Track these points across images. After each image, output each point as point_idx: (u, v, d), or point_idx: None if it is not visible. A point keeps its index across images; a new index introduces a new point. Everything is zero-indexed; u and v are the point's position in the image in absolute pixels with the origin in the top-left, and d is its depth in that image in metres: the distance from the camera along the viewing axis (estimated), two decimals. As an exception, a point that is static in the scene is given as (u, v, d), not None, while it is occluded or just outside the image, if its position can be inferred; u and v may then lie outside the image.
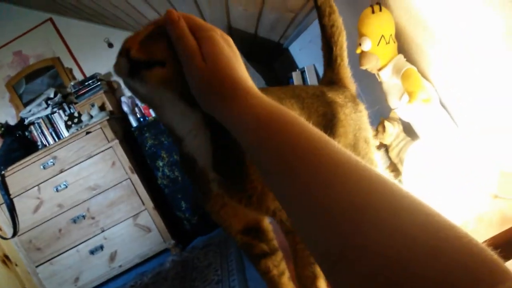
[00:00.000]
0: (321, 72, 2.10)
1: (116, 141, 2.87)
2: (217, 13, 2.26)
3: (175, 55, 0.47)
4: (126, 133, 3.10)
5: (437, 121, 1.04)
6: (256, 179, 0.56)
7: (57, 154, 2.87)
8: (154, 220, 2.92)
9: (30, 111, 3.29)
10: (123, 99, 3.28)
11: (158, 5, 2.29)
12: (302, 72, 2.55)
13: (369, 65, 1.11)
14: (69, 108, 3.32)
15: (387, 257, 0.29)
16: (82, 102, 3.23)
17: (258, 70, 2.84)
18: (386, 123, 1.12)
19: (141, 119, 3.18)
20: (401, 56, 1.09)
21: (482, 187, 0.81)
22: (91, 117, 3.05)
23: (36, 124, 3.29)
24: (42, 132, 3.29)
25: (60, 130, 3.30)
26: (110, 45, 3.50)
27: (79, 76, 3.53)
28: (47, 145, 3.24)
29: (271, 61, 3.24)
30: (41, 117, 3.29)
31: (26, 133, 3.31)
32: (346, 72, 0.94)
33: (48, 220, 2.89)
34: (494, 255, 0.28)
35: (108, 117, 2.89)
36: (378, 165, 0.87)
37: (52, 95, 3.29)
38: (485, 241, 0.29)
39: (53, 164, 2.86)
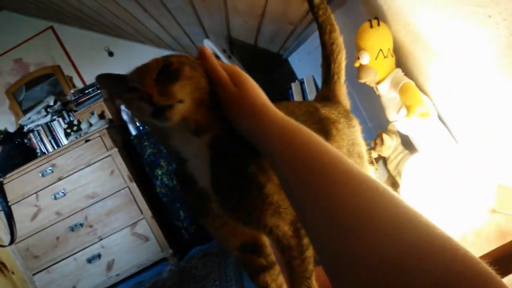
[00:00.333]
0: (320, 83, 2.11)
1: (115, 149, 2.88)
2: (217, 24, 2.28)
3: (193, 90, 0.56)
4: (125, 141, 3.11)
5: (435, 135, 1.05)
6: (255, 198, 0.59)
7: (56, 162, 2.87)
8: (152, 229, 2.91)
9: (29, 118, 3.29)
10: (122, 107, 3.29)
11: (157, 15, 2.31)
12: (301, 83, 2.57)
13: (367, 79, 1.12)
14: (69, 116, 3.33)
15: (386, 264, 0.31)
16: (82, 110, 3.24)
17: (257, 80, 2.85)
18: (385, 136, 1.13)
19: (141, 128, 3.19)
20: (399, 70, 1.10)
21: (480, 201, 0.82)
22: (91, 125, 3.06)
23: (36, 132, 3.30)
24: (41, 139, 3.29)
25: (59, 138, 3.30)
26: (111, 54, 3.53)
27: (79, 84, 3.54)
28: (46, 152, 3.24)
29: (271, 71, 3.26)
30: (41, 125, 3.29)
31: (25, 141, 3.31)
32: (342, 89, 0.96)
33: (45, 228, 2.88)
34: (488, 268, 0.29)
35: (107, 125, 2.90)
36: None
37: (51, 103, 3.30)
38: (483, 255, 0.30)
39: (52, 171, 2.86)
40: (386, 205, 0.36)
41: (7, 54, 3.54)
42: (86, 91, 3.25)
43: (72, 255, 2.91)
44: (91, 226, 2.90)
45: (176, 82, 0.55)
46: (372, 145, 1.18)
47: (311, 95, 2.48)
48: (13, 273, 3.18)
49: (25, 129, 3.32)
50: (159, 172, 3.02)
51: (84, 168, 2.88)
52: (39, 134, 3.29)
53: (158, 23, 2.52)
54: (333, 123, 0.84)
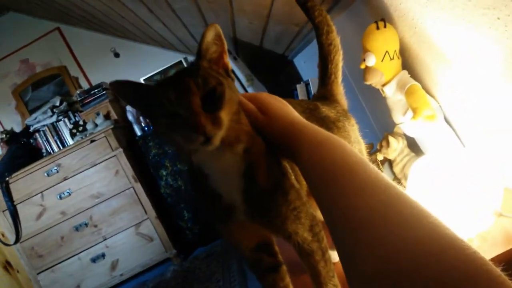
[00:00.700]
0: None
1: (120, 149, 2.89)
2: (223, 25, 2.29)
3: (230, 112, 0.58)
4: (130, 142, 3.12)
5: (441, 138, 1.05)
6: (280, 205, 0.62)
7: (61, 162, 2.88)
8: (156, 229, 2.91)
9: (35, 118, 3.31)
10: (128, 108, 3.30)
11: (163, 16, 2.32)
12: (307, 84, 2.57)
13: (373, 81, 1.11)
14: (74, 116, 3.35)
15: (393, 259, 0.33)
16: (88, 111, 3.25)
17: (263, 81, 2.86)
18: (391, 138, 1.13)
19: (146, 128, 3.20)
20: (405, 72, 1.10)
21: (486, 204, 0.81)
22: (96, 125, 3.07)
23: (41, 132, 3.31)
24: (47, 139, 3.31)
25: (65, 138, 3.32)
26: (116, 55, 3.54)
27: (85, 85, 3.56)
28: (52, 152, 3.26)
29: (276, 72, 3.26)
30: (46, 125, 3.31)
31: (31, 140, 3.33)
32: (339, 89, 0.97)
33: (50, 228, 2.90)
34: (496, 268, 0.29)
35: (112, 126, 2.91)
36: None
37: (57, 103, 3.32)
38: (489, 259, 0.30)
39: (57, 171, 2.87)
40: (399, 206, 0.39)
41: (14, 54, 3.56)
42: (92, 92, 3.27)
43: (77, 254, 2.92)
44: (95, 226, 2.91)
45: (222, 109, 0.56)
46: (378, 147, 1.18)
47: (316, 97, 2.48)
48: (18, 271, 3.20)
49: (31, 129, 3.34)
50: (164, 173, 3.03)
51: (89, 168, 2.89)
52: (45, 134, 3.31)
53: (164, 24, 2.53)
54: (333, 122, 0.85)
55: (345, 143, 0.52)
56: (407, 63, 1.14)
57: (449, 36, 0.92)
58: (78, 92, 3.31)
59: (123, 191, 2.91)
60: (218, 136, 0.55)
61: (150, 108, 0.59)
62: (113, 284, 2.94)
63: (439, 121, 1.05)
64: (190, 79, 0.56)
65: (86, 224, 2.90)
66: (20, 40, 3.55)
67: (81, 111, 3.31)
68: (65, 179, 2.88)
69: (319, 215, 0.74)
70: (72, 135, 3.17)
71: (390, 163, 1.18)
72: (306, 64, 2.67)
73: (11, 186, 2.87)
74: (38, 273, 2.93)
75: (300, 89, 2.61)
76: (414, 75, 1.11)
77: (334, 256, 0.90)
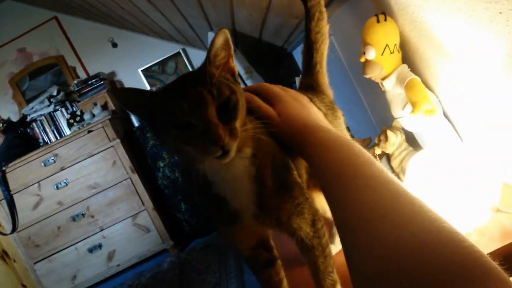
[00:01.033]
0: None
1: (118, 140, 2.88)
2: (222, 16, 2.27)
3: (242, 119, 0.59)
4: (128, 132, 3.11)
5: (440, 132, 1.04)
6: (286, 202, 0.63)
7: (58, 152, 2.87)
8: (153, 221, 2.92)
9: (32, 108, 3.29)
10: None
11: (162, 6, 2.30)
12: (305, 77, 2.56)
13: (373, 74, 1.11)
14: (72, 106, 3.33)
15: (394, 252, 0.34)
16: (85, 101, 3.24)
17: (261, 74, 2.84)
18: (389, 132, 1.12)
19: (143, 119, 3.18)
20: (405, 66, 1.09)
21: (485, 199, 0.81)
22: (93, 116, 3.06)
23: (38, 121, 3.30)
24: (44, 129, 3.30)
25: (62, 128, 3.31)
26: (114, 45, 3.52)
27: (82, 75, 3.54)
28: (49, 142, 3.25)
29: (275, 65, 3.25)
30: (43, 115, 3.30)
31: (28, 130, 3.32)
32: (324, 78, 0.95)
33: (47, 217, 2.90)
34: (491, 261, 0.30)
35: (110, 117, 2.89)
36: None
37: (55, 93, 3.30)
38: (487, 254, 0.31)
39: (54, 161, 2.87)
40: (398, 203, 0.40)
41: (11, 43, 3.53)
42: (89, 82, 3.25)
43: (73, 244, 2.92)
44: (92, 216, 2.91)
45: (236, 119, 0.56)
46: (376, 141, 1.18)
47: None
48: (14, 261, 3.21)
49: (28, 118, 3.33)
50: (161, 164, 3.02)
51: (86, 158, 2.88)
52: (41, 124, 3.30)
53: (163, 14, 2.51)
54: (324, 115, 0.84)
55: (354, 144, 0.53)
56: (407, 57, 1.13)
57: (449, 30, 0.91)
58: (75, 82, 3.30)
59: (120, 182, 2.91)
60: (234, 147, 0.54)
61: (155, 117, 0.57)
62: (109, 274, 2.95)
63: (438, 115, 1.05)
64: (203, 88, 0.54)
65: (83, 215, 2.90)
66: (17, 29, 3.51)
67: (78, 101, 3.30)
68: (62, 169, 2.88)
69: (324, 209, 0.75)
70: (69, 125, 3.16)
71: (388, 157, 1.18)
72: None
73: (7, 175, 2.86)
74: (35, 263, 2.93)
75: (298, 81, 2.60)
76: (414, 69, 1.11)
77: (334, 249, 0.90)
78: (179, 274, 2.50)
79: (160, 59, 3.48)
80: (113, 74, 3.55)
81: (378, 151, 1.15)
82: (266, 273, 0.72)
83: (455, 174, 0.83)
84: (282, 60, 3.11)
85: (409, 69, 1.09)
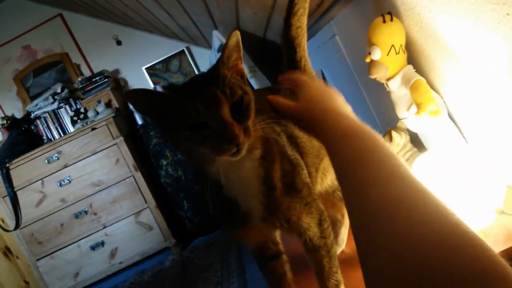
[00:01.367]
0: (328, 77, 2.10)
1: (121, 138, 2.88)
2: (227, 15, 2.27)
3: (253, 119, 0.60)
4: (131, 130, 3.11)
5: (445, 133, 1.04)
6: (296, 203, 0.64)
7: (62, 149, 2.88)
8: (156, 219, 2.92)
9: (36, 105, 3.30)
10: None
11: (167, 4, 2.30)
12: (310, 76, 2.55)
13: (378, 75, 1.11)
14: (76, 103, 3.34)
15: (419, 251, 0.33)
16: (89, 98, 3.24)
17: (265, 73, 2.84)
18: (393, 133, 1.12)
19: (147, 118, 3.19)
20: (410, 67, 1.09)
21: (488, 201, 0.81)
22: (97, 113, 3.07)
23: (42, 118, 3.31)
24: (48, 126, 3.31)
25: (66, 125, 3.32)
26: (119, 43, 3.52)
27: (86, 72, 3.54)
28: (53, 139, 3.26)
29: (279, 64, 3.24)
30: (48, 112, 3.30)
31: (32, 127, 3.32)
32: (312, 73, 0.98)
33: (50, 214, 2.90)
34: (502, 259, 0.30)
35: (114, 114, 2.90)
36: None
37: (59, 90, 3.31)
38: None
39: (58, 158, 2.87)
40: (426, 201, 0.38)
41: (16, 40, 3.54)
42: (94, 79, 3.25)
43: (76, 242, 2.93)
44: (95, 214, 2.92)
45: (249, 119, 0.57)
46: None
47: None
48: (17, 257, 3.22)
49: (32, 115, 3.34)
50: (164, 162, 3.03)
51: (90, 156, 2.89)
52: (45, 121, 3.31)
53: (167, 12, 2.51)
54: None
55: (377, 136, 0.51)
56: (413, 57, 1.13)
57: (456, 31, 0.91)
58: (79, 79, 3.30)
59: (123, 180, 2.91)
60: (246, 145, 0.55)
61: (166, 119, 0.57)
62: (112, 271, 2.96)
63: (443, 117, 1.04)
64: (216, 89, 0.55)
65: (86, 212, 2.90)
66: (22, 26, 3.52)
67: (82, 99, 3.30)
68: (65, 166, 2.88)
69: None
70: (73, 123, 3.16)
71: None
72: (309, 57, 2.65)
73: (11, 172, 2.87)
74: (38, 260, 2.94)
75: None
76: (419, 70, 1.10)
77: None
78: (181, 272, 2.51)
79: (164, 57, 3.48)
80: (117, 71, 3.55)
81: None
82: (271, 265, 0.74)
83: (460, 176, 0.83)
84: (286, 60, 3.10)
85: (415, 70, 1.09)
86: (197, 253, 2.69)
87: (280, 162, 0.64)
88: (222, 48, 0.59)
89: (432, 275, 0.30)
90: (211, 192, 0.64)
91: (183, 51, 3.49)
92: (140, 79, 3.50)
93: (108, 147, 2.89)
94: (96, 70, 3.50)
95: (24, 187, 2.88)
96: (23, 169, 2.87)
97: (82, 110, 3.19)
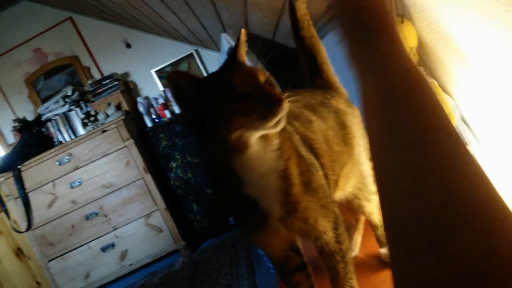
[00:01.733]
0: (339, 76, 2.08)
1: (131, 140, 2.90)
2: (236, 18, 2.27)
3: None
4: (141, 133, 3.13)
5: (457, 136, 1.03)
6: (313, 203, 0.64)
7: (73, 151, 2.91)
8: (166, 221, 2.93)
9: (47, 107, 3.34)
10: (139, 99, 3.32)
11: (177, 8, 2.31)
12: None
13: (389, 77, 1.10)
14: (86, 106, 3.37)
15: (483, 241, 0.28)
16: (99, 101, 3.27)
17: (274, 75, 2.84)
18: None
19: (156, 120, 3.21)
20: (421, 70, 1.08)
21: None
22: (107, 116, 3.09)
23: (53, 121, 3.34)
24: (58, 129, 3.34)
25: (76, 128, 3.34)
26: (128, 46, 3.54)
27: (96, 75, 3.57)
28: (63, 142, 3.29)
29: (288, 67, 3.24)
30: (58, 114, 3.34)
31: (43, 129, 3.36)
32: (335, 78, 0.99)
33: (61, 216, 2.93)
34: None
35: (124, 117, 2.92)
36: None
37: (69, 93, 3.34)
38: None
39: (69, 161, 2.90)
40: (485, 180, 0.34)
41: (27, 43, 3.58)
42: (104, 82, 3.28)
43: (87, 243, 2.95)
44: (106, 216, 2.94)
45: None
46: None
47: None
48: (29, 259, 3.26)
49: (43, 118, 3.37)
50: (174, 165, 3.04)
51: (101, 158, 2.91)
52: (56, 124, 3.34)
53: (176, 15, 2.52)
54: (344, 114, 0.88)
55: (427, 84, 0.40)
56: (424, 60, 1.12)
57: (468, 33, 0.90)
58: (89, 82, 3.33)
59: (133, 182, 2.93)
60: (285, 116, 0.57)
61: (207, 100, 0.60)
62: (122, 273, 2.98)
63: (456, 120, 1.03)
64: (247, 66, 0.62)
65: (96, 214, 2.93)
66: (33, 29, 3.56)
67: (92, 101, 3.33)
68: (76, 168, 2.91)
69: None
70: (84, 125, 3.19)
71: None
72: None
73: (23, 174, 2.90)
74: (49, 261, 2.97)
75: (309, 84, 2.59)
76: (430, 72, 1.09)
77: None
78: (190, 274, 2.51)
79: (173, 60, 3.50)
80: (126, 74, 3.57)
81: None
82: (296, 277, 0.73)
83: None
84: (295, 62, 3.10)
85: (426, 73, 1.08)
86: (207, 256, 2.70)
87: (297, 158, 0.65)
88: (236, 43, 0.66)
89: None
90: (229, 191, 0.65)
91: (192, 54, 3.50)
92: (150, 81, 3.53)
93: (118, 150, 2.91)
94: (106, 73, 3.53)
95: (35, 189, 2.91)
96: (35, 171, 2.90)
97: (92, 112, 3.21)
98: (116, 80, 3.28)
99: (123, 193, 2.93)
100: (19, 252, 3.27)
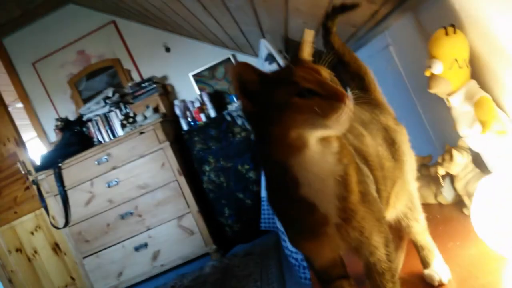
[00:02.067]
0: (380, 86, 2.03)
1: (167, 143, 2.95)
2: (275, 24, 2.27)
3: None
4: (177, 136, 3.17)
5: (511, 154, 0.97)
6: (369, 215, 0.62)
7: (111, 152, 2.98)
8: (198, 224, 2.95)
9: (89, 108, 3.44)
10: (176, 102, 3.36)
11: (218, 14, 2.33)
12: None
13: (438, 89, 1.05)
14: (125, 108, 3.45)
15: None
16: (138, 103, 3.34)
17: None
18: (454, 152, 1.06)
19: (192, 123, 3.24)
20: (474, 82, 1.03)
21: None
22: (145, 118, 3.15)
23: (94, 121, 3.44)
24: (98, 129, 3.44)
25: (115, 129, 3.43)
26: (168, 50, 3.61)
27: (136, 78, 3.65)
28: (103, 142, 3.38)
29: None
30: (99, 115, 3.43)
31: (84, 129, 3.46)
32: (382, 97, 0.98)
33: (98, 214, 3.01)
34: None
35: (161, 119, 2.97)
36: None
37: (110, 94, 3.43)
38: None
39: (107, 160, 2.98)
40: None
41: (72, 45, 3.71)
42: (143, 85, 3.35)
43: (121, 242, 3.02)
44: (140, 216, 2.99)
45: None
46: (440, 160, 1.11)
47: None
48: (65, 254, 3.37)
49: (84, 118, 3.48)
50: (207, 168, 3.06)
51: (137, 159, 2.97)
52: (97, 124, 3.44)
53: (217, 21, 2.54)
54: (394, 131, 0.86)
55: None
56: (476, 72, 1.07)
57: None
58: (129, 84, 3.41)
59: (167, 184, 2.97)
60: (349, 111, 0.56)
61: (270, 94, 0.59)
62: (153, 273, 3.02)
63: (509, 136, 0.98)
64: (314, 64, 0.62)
65: (131, 213, 2.98)
66: (78, 32, 3.69)
67: (131, 103, 3.40)
68: (114, 168, 2.98)
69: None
70: (122, 126, 3.26)
71: (451, 178, 1.12)
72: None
73: (63, 172, 3.00)
74: (84, 257, 3.05)
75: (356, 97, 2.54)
76: (483, 85, 1.04)
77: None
78: (220, 279, 2.51)
79: (210, 65, 3.53)
80: (165, 77, 3.64)
81: (441, 171, 1.09)
82: (338, 283, 0.71)
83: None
84: (334, 68, 3.06)
85: (479, 86, 1.03)
86: (237, 261, 2.69)
87: (355, 165, 0.62)
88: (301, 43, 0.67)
89: None
90: (284, 191, 0.63)
91: (228, 58, 3.52)
92: (187, 85, 3.57)
93: (155, 151, 2.96)
94: (145, 75, 3.60)
95: (74, 186, 3.00)
96: (74, 170, 3.00)
97: (131, 114, 3.29)
98: (155, 83, 3.34)
99: (157, 194, 2.97)
100: (56, 248, 3.38)
